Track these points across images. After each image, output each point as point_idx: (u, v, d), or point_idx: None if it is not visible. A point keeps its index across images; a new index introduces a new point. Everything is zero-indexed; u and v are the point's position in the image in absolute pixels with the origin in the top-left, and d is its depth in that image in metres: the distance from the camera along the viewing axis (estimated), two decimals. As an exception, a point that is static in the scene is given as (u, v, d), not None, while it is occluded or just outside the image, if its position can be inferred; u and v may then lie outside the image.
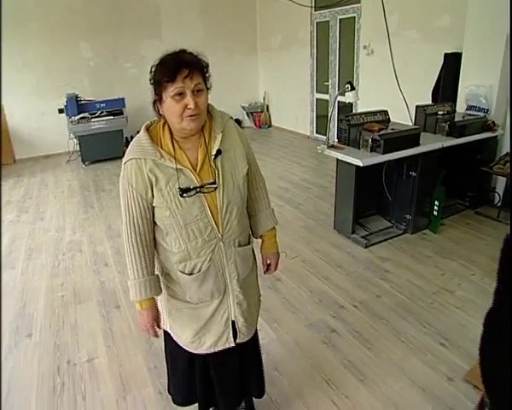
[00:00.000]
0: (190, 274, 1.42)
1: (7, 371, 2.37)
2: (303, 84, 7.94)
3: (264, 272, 1.76)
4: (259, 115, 9.25)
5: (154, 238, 1.45)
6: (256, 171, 1.59)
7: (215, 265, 1.44)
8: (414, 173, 3.65)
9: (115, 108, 6.93)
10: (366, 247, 3.60)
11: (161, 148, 1.33)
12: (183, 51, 1.30)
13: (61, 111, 6.68)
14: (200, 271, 1.42)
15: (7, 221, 4.60)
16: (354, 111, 6.58)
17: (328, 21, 7.02)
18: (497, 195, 4.40)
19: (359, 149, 3.45)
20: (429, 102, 5.00)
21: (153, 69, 1.31)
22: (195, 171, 1.36)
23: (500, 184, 4.41)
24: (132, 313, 2.83)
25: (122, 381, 2.25)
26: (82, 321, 2.79)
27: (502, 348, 1.40)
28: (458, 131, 3.89)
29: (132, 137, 7.94)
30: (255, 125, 9.31)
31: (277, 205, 4.56)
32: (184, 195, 1.32)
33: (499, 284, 1.42)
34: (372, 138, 3.29)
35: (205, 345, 1.54)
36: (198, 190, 1.34)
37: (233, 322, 1.53)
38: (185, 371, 1.67)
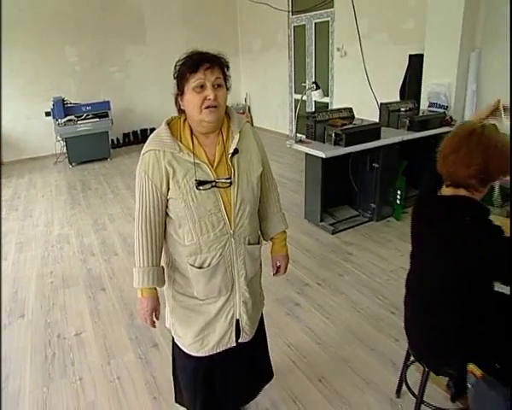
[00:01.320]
0: (200, 268, 1.45)
1: (3, 345, 2.63)
2: (282, 85, 8.27)
3: (274, 274, 1.80)
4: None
5: (165, 231, 1.49)
6: (269, 175, 1.63)
7: (225, 260, 1.46)
8: (376, 165, 3.98)
9: (101, 111, 7.17)
10: (333, 233, 3.93)
11: (180, 142, 1.38)
12: (204, 51, 1.38)
13: (47, 114, 6.91)
14: (209, 265, 1.45)
15: (-3, 219, 4.84)
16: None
17: (305, 25, 7.36)
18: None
19: (324, 143, 3.78)
20: (398, 99, 5.35)
21: (178, 64, 1.38)
22: (212, 166, 1.40)
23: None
24: (116, 294, 3.11)
25: (106, 350, 2.53)
26: (70, 302, 3.06)
27: (414, 304, 1.73)
28: (418, 125, 4.23)
29: (118, 139, 8.29)
30: (238, 125, 9.60)
31: (255, 198, 4.86)
32: (200, 187, 1.36)
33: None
34: (335, 133, 3.62)
35: (208, 346, 1.55)
36: (214, 184, 1.38)
37: (237, 321, 1.56)
38: (190, 377, 1.68)
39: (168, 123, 1.44)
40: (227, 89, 1.40)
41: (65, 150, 7.12)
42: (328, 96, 7.15)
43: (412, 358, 1.89)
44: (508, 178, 1.50)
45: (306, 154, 3.95)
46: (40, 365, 2.45)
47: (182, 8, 8.48)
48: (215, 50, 1.39)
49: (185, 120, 1.42)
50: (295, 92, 8.02)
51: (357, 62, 6.25)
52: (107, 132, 7.26)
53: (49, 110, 6.89)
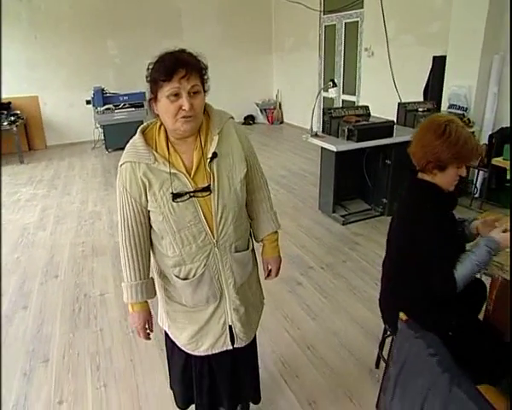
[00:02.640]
0: (185, 279, 1.42)
1: (39, 300, 3.04)
2: (312, 82, 8.45)
3: (265, 278, 1.73)
4: (272, 112, 9.81)
5: (151, 241, 1.45)
6: (257, 172, 1.55)
7: (210, 270, 1.42)
8: (389, 162, 4.15)
9: (137, 101, 7.62)
10: (343, 224, 4.13)
11: (156, 151, 1.32)
12: (182, 51, 1.27)
13: (88, 102, 7.42)
14: (194, 276, 1.41)
15: (40, 195, 5.34)
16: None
17: (335, 25, 7.52)
18: (476, 188, 4.82)
19: (338, 137, 3.98)
20: (421, 99, 5.45)
21: (150, 66, 1.27)
22: (190, 175, 1.33)
23: (480, 178, 4.83)
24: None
25: (125, 308, 2.87)
26: (97, 269, 3.45)
27: (384, 279, 1.95)
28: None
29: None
30: (268, 121, 9.86)
31: (274, 189, 5.12)
32: (177, 200, 1.30)
33: None
34: (348, 128, 3.82)
35: (202, 347, 1.54)
36: (191, 194, 1.32)
37: (230, 326, 1.53)
38: (182, 370, 1.69)
39: (143, 131, 1.36)
40: (205, 91, 1.31)
41: (102, 137, 7.61)
42: (355, 94, 7.30)
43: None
44: (464, 168, 1.69)
45: (322, 148, 4.17)
46: (68, 316, 2.84)
47: (217, 4, 8.81)
48: (193, 50, 1.29)
49: (160, 125, 1.35)
50: (324, 90, 8.18)
51: (384, 63, 6.37)
52: (142, 121, 7.46)
53: (89, 99, 7.41)
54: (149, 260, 1.47)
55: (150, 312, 1.52)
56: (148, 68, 1.28)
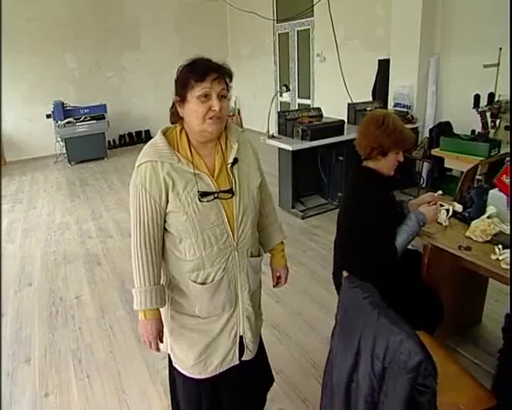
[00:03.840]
0: (203, 284, 1.39)
1: (15, 306, 3.15)
2: (269, 88, 8.80)
3: (274, 286, 1.79)
4: (232, 119, 10.08)
5: (164, 247, 1.43)
6: (265, 185, 1.61)
7: (228, 275, 1.41)
8: (341, 158, 4.50)
9: (98, 114, 7.68)
10: (303, 218, 4.44)
11: (178, 152, 1.34)
12: (209, 59, 1.34)
13: (48, 116, 7.42)
14: (213, 281, 1.39)
15: (5, 210, 5.34)
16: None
17: (288, 33, 7.91)
18: (422, 178, 5.26)
19: (293, 138, 4.29)
20: (371, 100, 5.86)
21: (180, 68, 1.32)
22: (213, 177, 1.36)
23: (425, 169, 5.28)
24: (110, 266, 3.63)
25: (101, 308, 3.04)
26: (71, 274, 3.57)
27: (334, 255, 2.23)
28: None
29: (114, 140, 8.80)
30: (228, 127, 10.11)
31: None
32: (203, 199, 1.32)
33: None
34: (302, 129, 4.14)
35: (210, 367, 1.49)
36: (216, 195, 1.34)
37: (240, 337, 1.51)
38: (192, 402, 1.60)
39: (164, 132, 1.39)
40: (228, 100, 1.37)
41: (64, 150, 7.60)
42: (309, 98, 7.69)
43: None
44: (401, 154, 2.02)
45: (279, 149, 4.47)
46: (46, 318, 2.97)
47: (174, 16, 9.02)
48: (220, 59, 1.36)
49: (181, 129, 1.38)
50: (280, 95, 8.54)
51: (335, 67, 6.76)
52: (104, 133, 7.77)
53: (49, 113, 7.41)
54: (161, 266, 1.44)
55: (162, 320, 1.46)
56: (178, 70, 1.33)
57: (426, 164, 5.08)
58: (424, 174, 5.24)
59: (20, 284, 3.48)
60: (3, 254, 4.02)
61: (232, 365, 1.51)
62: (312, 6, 7.03)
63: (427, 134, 5.10)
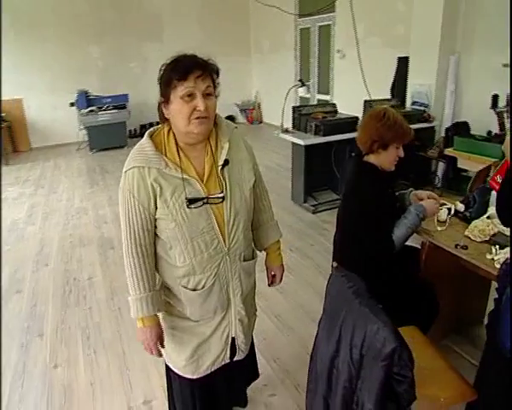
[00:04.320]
0: (194, 290, 1.37)
1: (32, 284, 3.32)
2: (289, 83, 8.77)
3: (269, 285, 1.76)
4: (252, 112, 10.14)
5: (155, 252, 1.40)
6: (260, 182, 1.55)
7: (220, 280, 1.39)
8: (354, 154, 4.50)
9: (120, 103, 7.88)
10: (313, 213, 4.48)
11: (166, 156, 1.28)
12: (194, 55, 1.27)
13: (72, 104, 7.65)
14: (204, 287, 1.37)
15: (27, 193, 5.57)
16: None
17: (309, 28, 7.89)
18: (437, 177, 5.22)
19: (306, 133, 4.33)
20: (389, 97, 5.83)
21: (162, 68, 1.25)
22: (202, 181, 1.31)
23: (440, 168, 5.23)
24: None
25: (111, 290, 3.17)
26: (85, 256, 3.72)
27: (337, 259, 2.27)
28: (394, 121, 4.72)
29: (135, 130, 8.99)
30: (248, 121, 10.19)
31: (251, 183, 5.44)
32: (191, 206, 1.27)
33: None
34: (315, 124, 4.17)
35: (203, 366, 1.49)
36: (205, 201, 1.29)
37: (233, 339, 1.50)
38: (188, 401, 1.62)
39: (151, 135, 1.33)
40: (216, 97, 1.31)
41: (86, 138, 7.84)
42: (328, 94, 7.68)
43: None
44: (401, 149, 2.04)
45: (293, 143, 4.51)
46: (59, 297, 3.12)
47: (197, 9, 9.11)
48: (205, 55, 1.30)
49: (169, 130, 1.32)
50: (308, 91, 8.54)
51: (355, 63, 6.73)
52: (125, 122, 7.96)
53: (73, 101, 7.63)
54: (155, 271, 1.41)
55: (161, 326, 1.45)
56: (160, 70, 1.25)
57: (441, 164, 5.04)
58: (440, 174, 5.19)
59: (37, 263, 3.65)
60: (24, 236, 4.22)
61: (223, 363, 1.52)
62: (334, 1, 7.00)
63: (443, 133, 5.05)
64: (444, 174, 5.00)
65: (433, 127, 5.13)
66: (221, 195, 1.32)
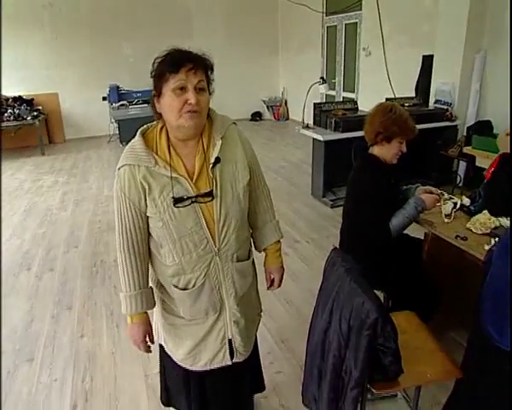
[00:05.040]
0: (184, 289, 1.37)
1: (63, 263, 3.59)
2: (315, 81, 8.85)
3: (268, 288, 1.71)
4: (278, 109, 10.26)
5: (150, 249, 1.39)
6: (259, 181, 1.51)
7: (210, 280, 1.37)
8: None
9: (149, 98, 8.12)
10: (332, 207, 4.58)
11: (157, 154, 1.27)
12: (188, 50, 1.27)
13: (104, 98, 8.01)
14: (194, 286, 1.36)
15: (60, 182, 5.92)
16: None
17: (336, 26, 7.94)
18: (458, 177, 5.21)
19: (326, 129, 4.43)
20: (414, 95, 5.84)
21: (156, 61, 1.26)
22: (192, 180, 1.29)
23: (461, 168, 5.22)
24: (147, 237, 3.98)
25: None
26: (112, 241, 3.96)
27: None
28: (415, 119, 4.72)
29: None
30: (274, 117, 10.32)
31: (272, 177, 5.59)
32: (178, 205, 1.26)
33: None
34: (334, 120, 4.27)
35: (200, 362, 1.49)
36: (193, 200, 1.27)
37: (229, 340, 1.47)
38: (181, 386, 1.62)
39: (143, 133, 1.34)
40: (209, 93, 1.30)
41: (117, 131, 8.18)
42: (354, 92, 7.71)
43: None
44: (404, 145, 2.14)
45: (313, 139, 4.62)
46: (87, 276, 3.37)
47: (226, 6, 9.31)
48: (199, 50, 1.28)
49: (162, 127, 1.32)
50: (329, 89, 8.61)
51: (380, 62, 6.76)
52: (154, 116, 8.22)
53: (105, 95, 7.98)
54: (148, 269, 1.42)
55: (150, 323, 1.47)
56: (153, 63, 1.26)
57: (462, 163, 5.03)
58: (461, 173, 5.18)
59: (68, 245, 3.93)
60: (57, 220, 4.52)
61: (224, 364, 1.49)
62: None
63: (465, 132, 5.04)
64: (464, 173, 5.00)
65: (455, 126, 5.12)
66: (210, 193, 1.29)
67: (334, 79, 8.23)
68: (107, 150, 7.86)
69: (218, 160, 1.30)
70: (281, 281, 1.69)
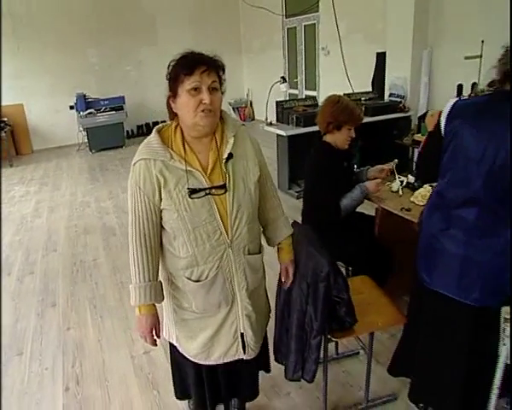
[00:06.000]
0: (197, 281, 1.41)
1: (43, 266, 3.72)
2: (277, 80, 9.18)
3: (283, 282, 1.75)
4: (244, 110, 10.52)
5: (161, 243, 1.44)
6: (268, 179, 1.59)
7: (223, 272, 1.41)
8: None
9: (117, 105, 8.27)
10: (297, 198, 4.87)
11: (172, 149, 1.34)
12: (201, 52, 1.34)
13: (71, 107, 8.03)
14: (207, 278, 1.40)
15: (32, 191, 5.97)
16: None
17: (296, 27, 8.27)
18: (414, 164, 5.59)
19: (289, 125, 4.72)
20: (371, 90, 6.20)
21: (171, 64, 1.33)
22: (206, 173, 1.35)
23: (416, 154, 5.60)
24: (124, 237, 4.15)
25: (114, 268, 3.57)
26: (90, 242, 4.12)
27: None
28: (372, 111, 5.12)
29: (132, 130, 9.38)
30: (240, 118, 10.55)
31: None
32: (193, 196, 1.31)
33: None
34: (296, 116, 4.56)
35: (213, 356, 1.54)
36: (207, 192, 1.33)
37: (241, 334, 1.52)
38: (195, 380, 1.68)
39: (159, 131, 1.40)
40: (222, 92, 1.37)
41: (86, 139, 8.23)
42: (315, 89, 8.06)
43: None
44: (353, 131, 2.43)
45: (277, 135, 4.90)
46: (68, 276, 3.52)
47: (189, 11, 9.49)
48: (211, 52, 1.37)
49: (176, 126, 1.39)
50: (290, 87, 8.92)
51: (338, 60, 7.11)
52: (122, 123, 8.36)
53: (72, 104, 8.02)
54: (158, 263, 1.46)
55: (158, 316, 1.49)
56: (168, 66, 1.33)
57: (416, 150, 5.41)
58: (415, 159, 5.56)
59: (46, 249, 4.04)
60: (33, 227, 4.61)
61: (237, 358, 1.55)
62: (318, 1, 7.38)
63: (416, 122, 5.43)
64: (417, 159, 5.38)
65: (409, 117, 5.50)
66: (224, 186, 1.36)
67: (296, 78, 8.57)
68: (78, 158, 7.91)
69: (230, 155, 1.38)
70: (292, 274, 1.72)
